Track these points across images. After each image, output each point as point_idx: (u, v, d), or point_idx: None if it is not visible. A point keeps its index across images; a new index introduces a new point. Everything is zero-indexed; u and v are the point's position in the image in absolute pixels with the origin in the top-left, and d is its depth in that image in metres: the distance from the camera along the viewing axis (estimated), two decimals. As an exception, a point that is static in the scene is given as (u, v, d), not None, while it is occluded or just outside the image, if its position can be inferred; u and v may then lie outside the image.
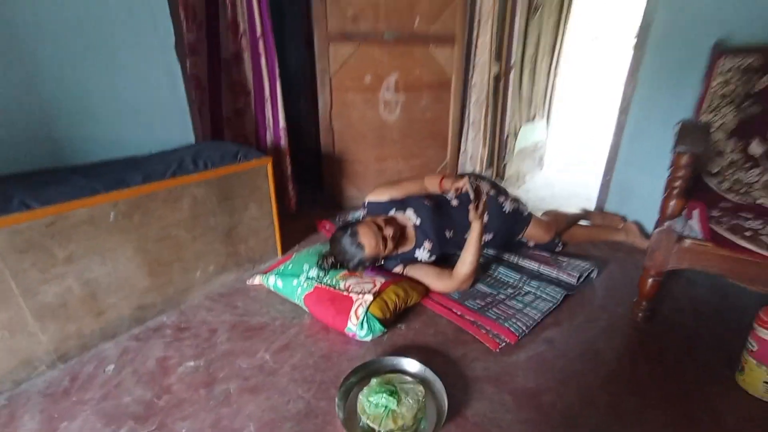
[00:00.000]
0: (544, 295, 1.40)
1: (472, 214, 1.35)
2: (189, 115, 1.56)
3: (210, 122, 1.88)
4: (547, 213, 1.86)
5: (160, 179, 1.23)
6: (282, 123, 1.92)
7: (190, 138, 1.58)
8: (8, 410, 0.96)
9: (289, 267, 1.45)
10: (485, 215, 1.38)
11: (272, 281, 1.42)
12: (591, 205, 2.10)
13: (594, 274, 1.54)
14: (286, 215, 2.04)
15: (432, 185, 1.58)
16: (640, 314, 1.28)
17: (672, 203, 1.17)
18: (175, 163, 1.28)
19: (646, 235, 1.78)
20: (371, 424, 0.87)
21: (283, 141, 1.96)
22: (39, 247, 1.02)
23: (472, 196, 1.32)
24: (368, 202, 1.61)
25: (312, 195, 2.42)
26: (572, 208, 2.08)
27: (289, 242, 1.76)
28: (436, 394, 0.98)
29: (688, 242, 1.13)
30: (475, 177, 1.62)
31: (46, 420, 0.94)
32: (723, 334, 1.22)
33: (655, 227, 1.20)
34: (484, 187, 1.39)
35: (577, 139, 3.78)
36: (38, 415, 0.95)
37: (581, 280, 1.48)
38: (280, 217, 1.67)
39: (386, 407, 0.88)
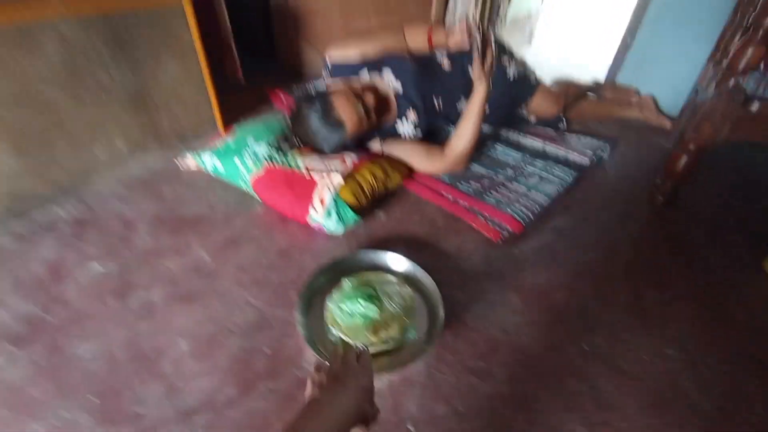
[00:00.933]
0: (551, 177, 1.16)
1: (477, 70, 1.00)
2: None
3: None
4: (557, 82, 1.52)
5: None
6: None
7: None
8: None
9: (230, 144, 1.09)
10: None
11: (209, 162, 1.07)
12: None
13: (606, 154, 1.29)
14: (230, 87, 1.59)
15: (416, 39, 1.18)
16: (661, 198, 1.08)
17: (749, 52, 0.86)
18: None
19: (662, 112, 1.52)
20: (346, 338, 0.65)
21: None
22: None
23: (477, 45, 0.95)
24: (332, 64, 1.19)
25: (262, 65, 1.91)
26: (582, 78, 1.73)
27: (232, 117, 1.35)
28: (428, 297, 0.77)
29: (756, 106, 0.86)
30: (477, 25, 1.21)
31: None
32: (749, 219, 1.06)
33: (689, 99, 0.91)
34: (492, 35, 1.01)
35: (582, 3, 3.19)
36: None
37: (594, 158, 1.24)
38: (217, 85, 1.23)
39: (365, 316, 0.66)
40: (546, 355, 0.70)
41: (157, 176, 1.11)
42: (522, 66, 1.33)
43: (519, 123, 1.43)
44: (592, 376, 0.66)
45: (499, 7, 2.04)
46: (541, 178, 1.16)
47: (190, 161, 1.13)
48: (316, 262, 0.85)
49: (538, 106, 1.37)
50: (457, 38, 1.07)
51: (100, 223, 0.93)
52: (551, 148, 1.29)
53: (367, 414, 0.40)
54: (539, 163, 1.22)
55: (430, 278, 0.78)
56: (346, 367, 0.43)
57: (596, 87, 1.64)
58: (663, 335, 0.74)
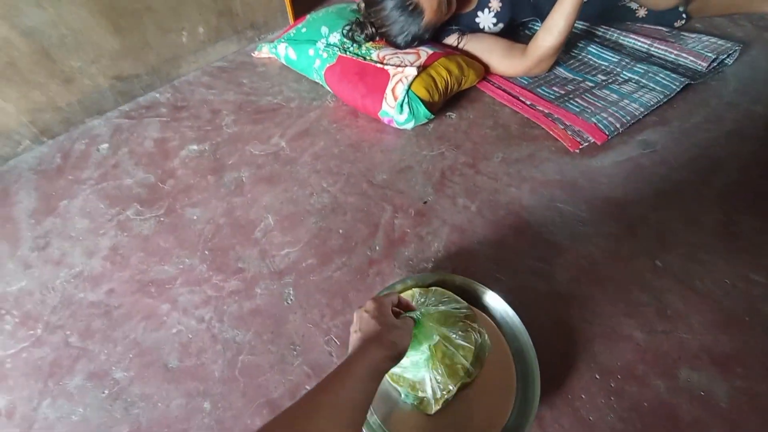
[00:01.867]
0: (651, 84, 1.01)
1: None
2: None
3: None
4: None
5: None
6: None
7: None
8: (1, 186, 0.86)
9: (303, 31, 1.07)
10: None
11: (282, 51, 1.07)
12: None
13: (731, 59, 1.08)
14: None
15: None
16: (790, 114, 0.91)
17: None
18: None
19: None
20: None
21: None
22: None
23: None
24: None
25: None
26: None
27: (301, 6, 1.29)
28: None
29: None
30: None
31: (43, 197, 0.83)
32: None
33: None
34: None
35: None
36: (34, 192, 0.84)
37: (714, 65, 1.04)
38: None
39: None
40: (613, 265, 0.70)
41: (235, 66, 1.14)
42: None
43: (623, 18, 1.20)
44: (660, 289, 0.66)
45: None
46: (639, 85, 1.02)
47: (264, 51, 1.14)
48: (385, 156, 0.88)
49: (654, -7, 1.13)
50: None
51: (192, 108, 1.02)
52: (659, 50, 1.09)
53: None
54: (640, 67, 1.06)
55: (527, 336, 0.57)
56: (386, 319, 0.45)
57: None
58: (753, 262, 0.69)
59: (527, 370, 0.54)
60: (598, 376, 0.58)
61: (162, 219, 0.79)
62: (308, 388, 0.58)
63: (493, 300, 0.60)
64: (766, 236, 0.73)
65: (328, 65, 0.97)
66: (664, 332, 0.62)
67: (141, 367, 0.60)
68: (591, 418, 0.54)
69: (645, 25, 1.20)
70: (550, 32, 0.97)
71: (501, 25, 1.07)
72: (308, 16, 1.14)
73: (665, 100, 0.97)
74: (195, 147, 0.92)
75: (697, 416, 0.54)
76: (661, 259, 0.71)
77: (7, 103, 0.86)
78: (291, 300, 0.67)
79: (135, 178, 0.86)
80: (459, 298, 0.56)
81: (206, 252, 0.74)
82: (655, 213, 0.78)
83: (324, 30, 1.03)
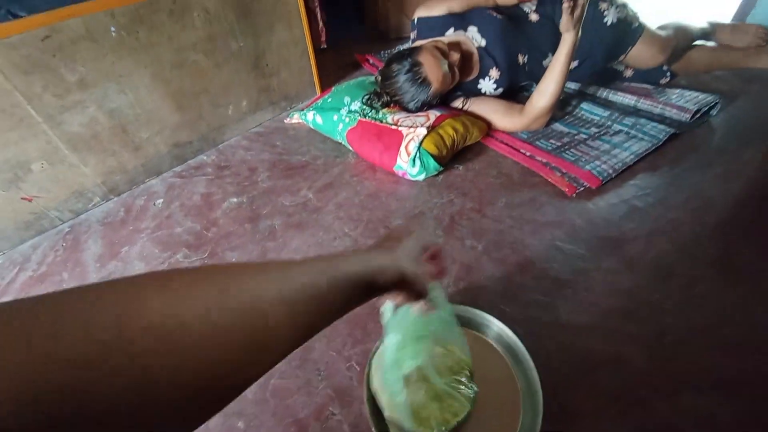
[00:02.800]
0: (640, 135, 1.12)
1: (565, 21, 0.98)
2: None
3: None
4: (664, 27, 1.37)
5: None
6: None
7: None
8: (72, 236, 1.01)
9: (329, 101, 1.26)
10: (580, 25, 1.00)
11: (311, 117, 1.25)
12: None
13: (715, 110, 1.18)
14: (318, 51, 1.73)
15: None
16: (775, 157, 0.99)
17: None
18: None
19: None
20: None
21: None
22: (44, 68, 0.88)
23: None
24: (418, 19, 1.25)
25: (347, 29, 2.02)
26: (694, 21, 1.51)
27: (325, 79, 1.52)
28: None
29: None
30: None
31: (107, 245, 0.97)
32: None
33: None
34: None
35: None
36: (100, 240, 0.99)
37: (697, 116, 1.15)
38: (315, 48, 1.39)
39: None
40: (611, 296, 0.75)
41: (270, 131, 1.33)
42: (623, 9, 1.23)
43: (611, 78, 1.35)
44: (660, 320, 0.71)
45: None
46: (629, 135, 1.12)
47: (295, 118, 1.33)
48: (400, 204, 0.99)
49: (639, 55, 1.27)
50: None
51: (233, 167, 1.18)
52: (645, 105, 1.21)
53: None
54: (629, 120, 1.17)
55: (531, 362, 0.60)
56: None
57: (712, 30, 1.42)
58: (754, 292, 0.74)
59: (532, 393, 0.59)
60: (602, 400, 0.61)
61: (205, 260, 0.91)
62: (331, 410, 0.64)
63: (499, 328, 0.66)
64: (761, 265, 0.78)
65: (350, 128, 1.13)
66: (664, 357, 0.65)
67: (185, 390, 0.68)
68: (597, 440, 0.57)
69: (632, 84, 1.34)
70: (543, 95, 1.11)
71: (500, 90, 1.23)
72: (333, 88, 1.34)
73: (653, 148, 1.07)
74: (235, 200, 1.07)
75: (703, 440, 0.56)
76: (659, 292, 0.75)
77: (87, 168, 1.04)
78: (317, 331, 0.75)
79: (184, 227, 1.00)
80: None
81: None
82: (652, 249, 0.84)
83: (347, 99, 1.22)
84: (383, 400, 0.56)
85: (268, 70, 1.31)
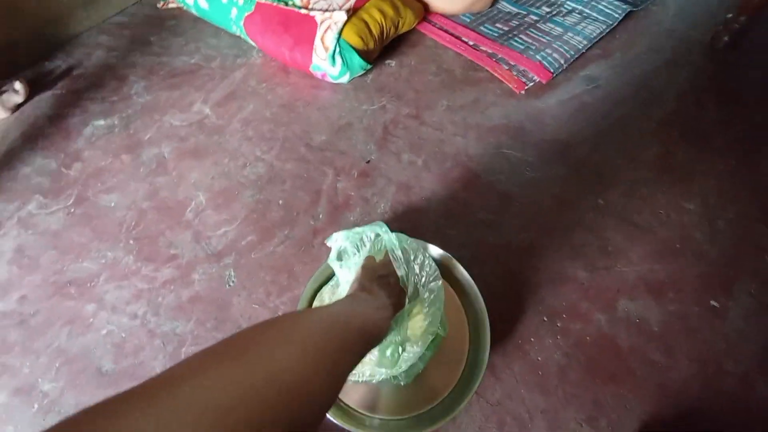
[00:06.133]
0: (594, 14, 0.97)
1: None
2: None
3: None
4: None
5: None
6: None
7: None
8: None
9: (213, -27, 0.91)
10: None
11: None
12: None
13: (672, -17, 1.05)
14: None
15: None
16: (724, 39, 0.92)
17: None
18: None
19: None
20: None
21: None
22: None
23: None
24: None
25: None
26: None
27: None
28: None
29: None
30: None
31: None
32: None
33: None
34: None
35: None
36: None
37: (655, -11, 1.01)
38: None
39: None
40: (558, 209, 0.70)
41: (138, 21, 0.98)
42: None
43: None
44: (601, 228, 0.68)
45: None
46: (582, 15, 0.98)
47: (171, 1, 0.98)
48: (323, 114, 0.81)
49: None
50: None
51: (92, 76, 0.87)
52: (603, -26, 1.04)
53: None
54: (584, -6, 1.01)
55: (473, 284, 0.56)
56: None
57: None
58: (686, 191, 0.72)
59: (478, 322, 0.54)
60: (545, 319, 0.59)
61: (72, 210, 0.69)
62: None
63: (441, 257, 0.59)
64: (699, 164, 0.76)
65: (246, 14, 0.85)
66: (605, 268, 0.64)
67: (71, 376, 0.55)
68: (539, 358, 0.56)
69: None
70: (490, -39, 0.89)
71: (438, -45, 0.97)
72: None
73: (608, 30, 0.95)
74: (102, 122, 0.80)
75: (634, 343, 0.58)
76: (603, 198, 0.71)
77: None
78: (233, 282, 0.63)
79: (32, 166, 0.74)
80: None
81: (131, 241, 0.66)
82: (597, 152, 0.78)
83: (237, -30, 0.89)
84: None
85: None
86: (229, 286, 0.62)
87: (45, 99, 0.83)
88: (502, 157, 0.76)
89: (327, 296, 0.55)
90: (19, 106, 0.81)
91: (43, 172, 0.74)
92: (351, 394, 0.51)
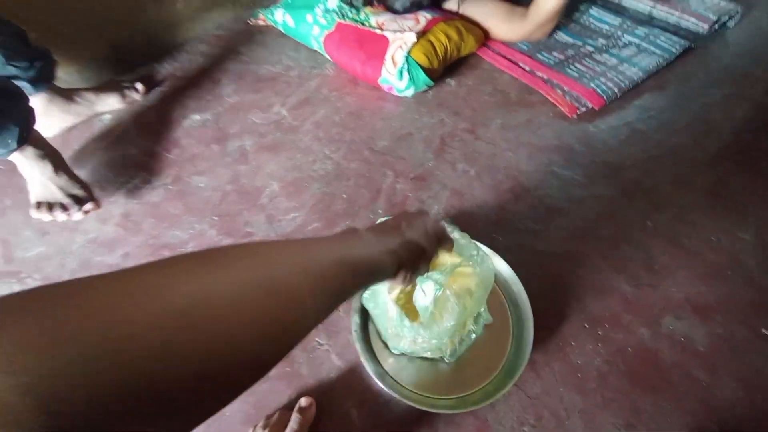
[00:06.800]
0: (652, 48, 1.01)
1: None
2: None
3: None
4: None
5: None
6: None
7: None
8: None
9: (301, -4, 1.05)
10: None
11: (280, 17, 1.06)
12: None
13: (733, 22, 1.07)
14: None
15: None
16: (787, 77, 0.92)
17: None
18: None
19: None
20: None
21: None
22: None
23: None
24: None
25: None
26: None
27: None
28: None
29: None
30: None
31: (51, 167, 0.85)
32: None
33: None
34: None
35: None
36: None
37: (715, 27, 1.04)
38: None
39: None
40: (605, 224, 0.73)
41: (232, 34, 1.13)
42: None
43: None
44: (648, 247, 0.70)
45: None
46: (639, 49, 1.02)
47: (261, 18, 1.12)
48: (386, 123, 0.89)
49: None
50: None
51: (192, 78, 1.02)
52: (661, 12, 1.08)
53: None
54: (641, 30, 1.05)
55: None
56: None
57: None
58: (740, 220, 0.73)
59: (521, 317, 0.58)
60: (587, 325, 0.62)
61: (169, 187, 0.81)
62: (318, 340, 0.62)
63: (489, 253, 0.63)
64: (754, 196, 0.76)
65: (327, 33, 0.96)
66: (650, 285, 0.66)
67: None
68: (579, 362, 0.59)
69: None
70: (550, -5, 0.96)
71: (501, -12, 1.05)
72: (305, -19, 1.12)
73: (665, 64, 0.98)
74: (197, 117, 0.93)
75: (678, 359, 0.59)
76: (652, 220, 0.74)
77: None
78: (298, 261, 0.70)
79: (139, 148, 0.88)
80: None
81: (215, 217, 0.76)
82: (648, 177, 0.80)
83: (322, -5, 1.02)
84: (385, 325, 0.54)
85: (223, -48, 1.06)
86: (295, 264, 0.70)
87: (153, 94, 0.98)
88: (552, 174, 0.80)
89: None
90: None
91: (148, 153, 0.87)
92: (401, 373, 0.56)
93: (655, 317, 0.63)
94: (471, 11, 1.04)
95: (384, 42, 0.90)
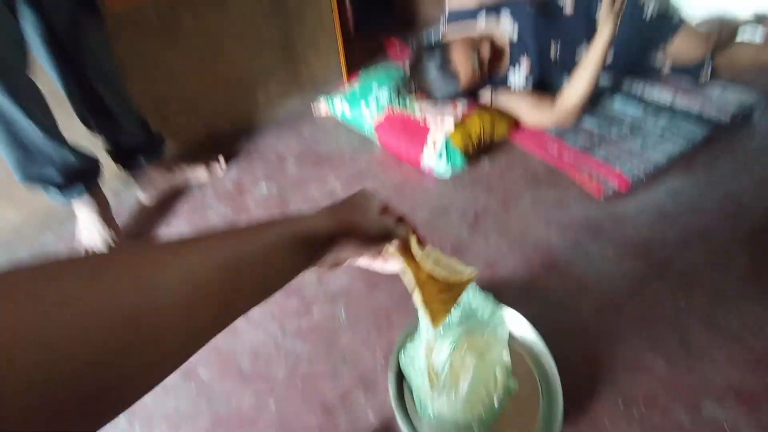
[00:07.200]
0: (676, 135, 1.08)
1: (605, 12, 0.95)
2: None
3: None
4: (706, 21, 1.30)
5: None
6: None
7: None
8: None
9: (357, 89, 1.26)
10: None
11: (339, 108, 1.26)
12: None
13: (758, 112, 1.13)
14: (346, 37, 1.72)
15: None
16: (819, 164, 0.95)
17: None
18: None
19: None
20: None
21: None
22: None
23: None
24: (449, 11, 1.23)
25: (376, 14, 1.98)
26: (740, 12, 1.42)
27: (353, 66, 1.51)
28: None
29: None
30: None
31: (144, 227, 1.02)
32: None
33: None
34: None
35: None
36: (137, 215, 1.04)
37: (738, 118, 1.10)
38: (343, 34, 1.38)
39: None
40: (637, 303, 0.75)
41: (298, 118, 1.35)
42: (664, 3, 1.18)
43: (648, 72, 1.30)
44: (683, 327, 0.71)
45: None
46: (663, 135, 1.09)
47: (322, 107, 1.34)
48: (426, 197, 1.01)
49: (678, 49, 1.22)
50: None
51: (263, 154, 1.21)
52: (682, 101, 1.17)
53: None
54: (664, 119, 1.14)
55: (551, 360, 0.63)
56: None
57: (757, 24, 1.33)
58: None
59: (551, 391, 0.61)
60: (621, 404, 0.63)
61: (238, 246, 0.95)
62: (356, 395, 0.68)
63: (519, 322, 0.68)
64: (793, 281, 0.76)
65: (378, 123, 1.14)
66: (687, 367, 0.66)
67: (221, 368, 0.73)
68: (614, 441, 0.59)
69: (671, 77, 1.29)
70: (576, 88, 1.09)
71: (530, 83, 1.20)
72: (361, 75, 1.34)
73: (690, 149, 1.04)
74: (265, 187, 1.10)
75: (720, 448, 0.57)
76: (686, 300, 0.75)
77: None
78: (342, 320, 0.78)
79: (217, 211, 1.04)
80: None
81: (273, 275, 0.88)
82: (679, 257, 0.83)
83: (374, 87, 1.22)
84: (420, 388, 0.57)
85: (297, 57, 1.32)
86: (340, 322, 0.78)
87: (231, 167, 1.17)
88: (581, 249, 0.86)
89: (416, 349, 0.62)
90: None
91: (223, 216, 1.03)
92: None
93: (694, 401, 0.62)
94: (503, 101, 1.19)
95: (426, 128, 1.05)
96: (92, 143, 0.94)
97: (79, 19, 0.79)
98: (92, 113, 0.90)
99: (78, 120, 0.91)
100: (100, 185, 0.91)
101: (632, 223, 0.90)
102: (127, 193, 1.09)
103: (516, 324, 0.68)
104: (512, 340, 0.68)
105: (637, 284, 0.78)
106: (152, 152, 0.99)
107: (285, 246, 0.28)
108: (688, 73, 1.27)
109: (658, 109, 1.18)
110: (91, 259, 0.19)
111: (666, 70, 1.29)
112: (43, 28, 0.76)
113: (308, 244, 0.31)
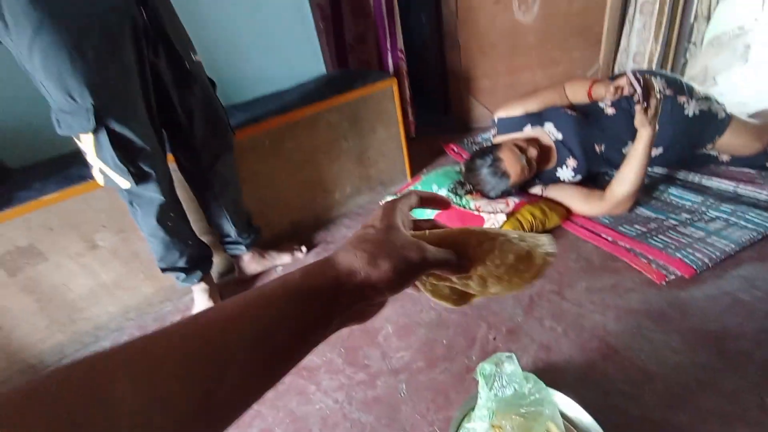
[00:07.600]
0: (742, 222, 1.07)
1: (639, 118, 1.07)
2: (319, 47, 1.62)
3: (335, 50, 1.91)
4: (758, 114, 1.34)
5: (298, 108, 1.34)
6: (399, 44, 1.82)
7: (321, 69, 1.66)
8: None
9: (418, 187, 1.47)
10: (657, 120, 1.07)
11: (402, 202, 1.47)
12: None
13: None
14: (409, 140, 2.03)
15: (577, 93, 1.30)
16: None
17: None
18: (311, 93, 1.36)
19: None
20: None
21: (402, 63, 1.87)
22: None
23: (638, 93, 1.03)
24: (498, 119, 1.45)
25: (435, 119, 2.32)
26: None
27: (415, 166, 1.76)
28: None
29: None
30: (642, 72, 1.25)
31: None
32: None
33: None
34: (656, 84, 1.06)
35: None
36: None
37: (813, 203, 1.06)
38: (406, 137, 1.66)
39: None
40: (710, 396, 0.72)
41: (367, 211, 1.57)
42: (706, 101, 1.26)
43: (704, 163, 1.33)
44: (764, 429, 0.66)
45: (691, 31, 1.89)
46: (728, 223, 1.08)
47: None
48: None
49: (732, 144, 1.26)
50: (618, 83, 1.05)
51: (336, 243, 1.42)
52: (746, 191, 1.16)
53: None
54: (727, 206, 1.13)
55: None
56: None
57: None
58: None
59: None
60: None
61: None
62: (415, 471, 0.71)
63: (573, 408, 0.68)
64: None
65: (436, 214, 1.30)
66: (779, 475, 0.60)
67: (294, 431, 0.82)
68: None
69: (730, 168, 1.29)
70: (623, 182, 1.16)
71: (579, 177, 1.30)
72: (422, 176, 1.56)
73: (760, 237, 1.01)
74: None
75: None
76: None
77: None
78: (404, 393, 0.85)
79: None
80: None
81: (342, 349, 0.99)
82: (760, 349, 0.78)
83: (434, 187, 1.41)
84: None
85: (368, 162, 1.60)
86: (401, 395, 0.84)
87: (311, 254, 1.39)
88: (643, 337, 0.85)
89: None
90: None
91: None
92: None
93: None
94: (553, 194, 1.29)
95: (480, 221, 1.18)
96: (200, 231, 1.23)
97: (219, 154, 1.12)
98: (212, 217, 1.20)
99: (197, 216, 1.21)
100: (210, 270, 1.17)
101: (701, 312, 0.88)
102: (228, 276, 1.35)
103: (570, 409, 0.69)
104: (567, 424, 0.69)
105: (710, 377, 0.75)
106: (251, 242, 1.25)
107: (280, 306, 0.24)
108: (751, 162, 1.28)
109: (720, 197, 1.18)
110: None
111: (725, 158, 1.31)
112: (193, 162, 1.09)
113: (314, 297, 0.25)
